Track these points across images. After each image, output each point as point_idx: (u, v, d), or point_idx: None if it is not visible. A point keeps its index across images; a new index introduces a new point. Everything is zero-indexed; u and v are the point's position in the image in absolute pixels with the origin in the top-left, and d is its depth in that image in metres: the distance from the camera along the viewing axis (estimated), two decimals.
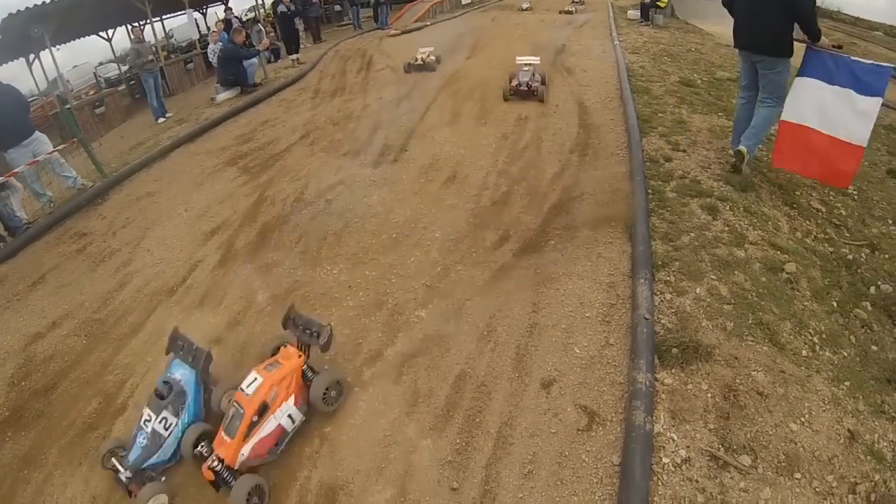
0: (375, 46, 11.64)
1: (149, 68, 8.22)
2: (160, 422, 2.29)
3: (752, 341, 2.53)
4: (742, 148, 3.87)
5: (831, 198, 3.94)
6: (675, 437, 2.13)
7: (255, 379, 2.24)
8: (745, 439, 2.09)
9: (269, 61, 11.00)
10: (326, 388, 2.39)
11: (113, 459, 2.29)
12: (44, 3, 8.42)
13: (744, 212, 3.55)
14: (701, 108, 5.60)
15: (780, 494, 1.91)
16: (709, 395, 2.29)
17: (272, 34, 12.54)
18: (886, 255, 3.37)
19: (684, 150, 4.50)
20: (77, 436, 2.63)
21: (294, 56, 10.67)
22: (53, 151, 5.19)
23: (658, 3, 11.84)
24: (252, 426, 2.16)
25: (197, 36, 15.30)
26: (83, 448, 2.56)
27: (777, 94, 3.75)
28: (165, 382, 2.36)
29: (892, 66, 3.29)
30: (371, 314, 3.10)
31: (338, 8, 19.42)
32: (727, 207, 3.58)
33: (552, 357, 2.63)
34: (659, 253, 3.18)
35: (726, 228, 3.37)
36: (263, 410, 2.20)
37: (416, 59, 8.53)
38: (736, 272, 2.98)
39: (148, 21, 11.24)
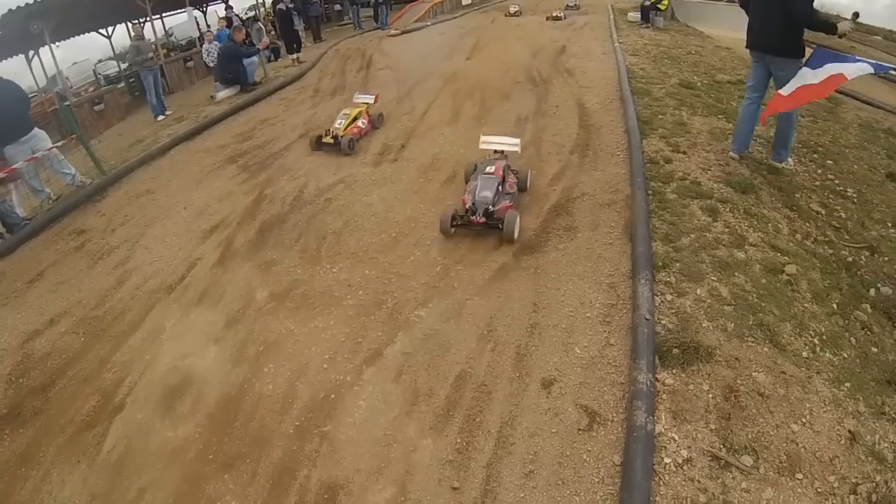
0: (375, 46, 11.65)
1: (148, 66, 8.18)
2: None
3: (752, 342, 2.53)
4: (779, 164, 4.14)
5: (831, 200, 3.95)
6: (677, 438, 2.13)
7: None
8: (746, 440, 2.09)
9: (269, 60, 10.99)
10: None
11: None
12: None
13: (744, 214, 3.56)
14: (701, 110, 5.61)
15: (781, 495, 1.91)
16: (710, 395, 2.29)
17: (272, 33, 12.52)
18: (886, 258, 3.37)
19: (684, 152, 4.51)
20: (75, 433, 2.62)
21: (295, 55, 10.66)
22: (52, 148, 5.16)
23: (658, 5, 11.87)
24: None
25: (197, 34, 15.32)
26: (81, 446, 2.54)
27: None
28: None
29: (893, 66, 3.32)
30: (371, 313, 3.10)
31: (338, 7, 19.43)
32: (727, 209, 3.59)
33: (553, 357, 2.63)
34: (659, 254, 3.18)
35: (726, 230, 3.38)
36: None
37: (328, 133, 5.46)
38: (736, 273, 2.98)
39: (148, 18, 11.22)
